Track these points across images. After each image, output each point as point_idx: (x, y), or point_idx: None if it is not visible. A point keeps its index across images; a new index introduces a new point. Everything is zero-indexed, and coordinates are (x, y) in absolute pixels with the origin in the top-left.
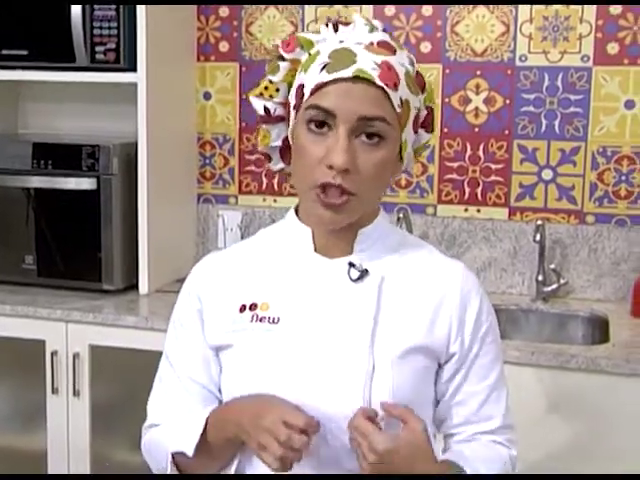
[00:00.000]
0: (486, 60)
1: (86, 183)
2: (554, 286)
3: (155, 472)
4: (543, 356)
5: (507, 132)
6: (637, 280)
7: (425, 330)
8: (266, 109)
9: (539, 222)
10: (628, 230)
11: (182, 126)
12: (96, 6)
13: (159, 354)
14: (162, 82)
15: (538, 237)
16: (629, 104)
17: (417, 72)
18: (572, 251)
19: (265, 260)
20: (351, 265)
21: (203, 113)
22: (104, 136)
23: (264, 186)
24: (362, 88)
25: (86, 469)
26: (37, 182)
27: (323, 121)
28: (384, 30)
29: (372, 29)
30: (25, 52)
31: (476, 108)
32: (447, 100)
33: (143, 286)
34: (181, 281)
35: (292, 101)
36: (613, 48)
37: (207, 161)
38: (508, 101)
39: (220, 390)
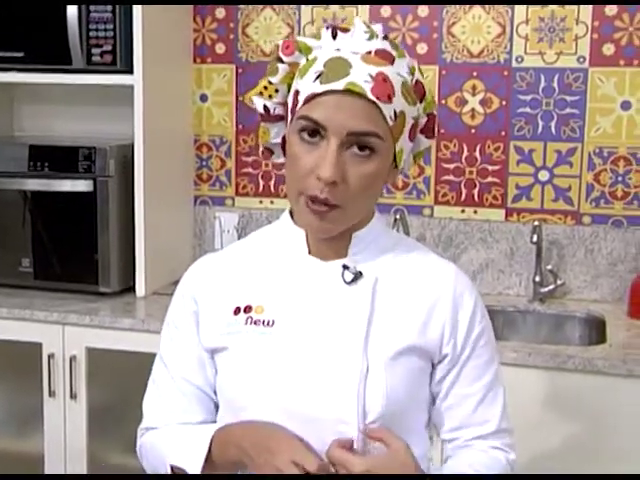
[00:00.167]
0: (482, 61)
1: (82, 185)
2: (551, 287)
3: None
4: (540, 357)
5: (503, 133)
6: (634, 281)
7: (418, 331)
8: (266, 108)
9: (536, 223)
10: (624, 231)
11: (179, 128)
12: (92, 8)
13: (156, 356)
14: (158, 84)
15: (535, 238)
16: (625, 105)
17: (417, 81)
18: (569, 252)
19: (260, 262)
20: (345, 268)
21: (199, 115)
22: (100, 138)
23: (261, 188)
24: (353, 101)
25: (83, 472)
26: (33, 184)
27: (315, 131)
28: (385, 37)
29: (371, 36)
30: (21, 54)
31: (472, 109)
32: (443, 101)
33: (140, 288)
34: (178, 283)
35: (289, 104)
36: (609, 49)
37: (204, 163)
38: (504, 102)
39: (215, 392)
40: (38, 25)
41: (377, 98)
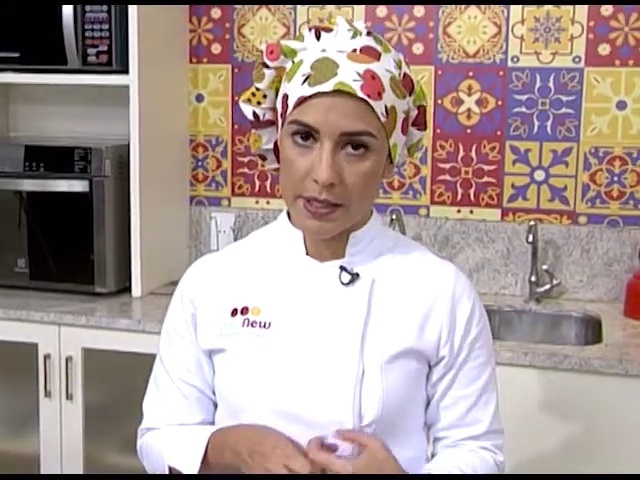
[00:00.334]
0: (478, 61)
1: (78, 186)
2: (547, 287)
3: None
4: (536, 357)
5: (499, 133)
6: (630, 280)
7: (415, 333)
8: (255, 114)
9: (532, 223)
10: (620, 230)
11: (174, 128)
12: (87, 8)
13: (152, 357)
14: (154, 84)
15: (531, 238)
16: (621, 105)
17: (404, 74)
18: (565, 252)
19: (257, 263)
20: (342, 269)
21: (195, 115)
22: (96, 138)
23: (257, 188)
24: (343, 102)
25: (79, 472)
26: (29, 185)
27: (308, 134)
28: (368, 33)
29: (355, 34)
30: (16, 54)
31: (468, 109)
32: (439, 101)
33: (136, 289)
34: (174, 283)
35: (279, 109)
36: (604, 49)
37: (200, 163)
38: (500, 102)
39: (214, 392)
40: (33, 25)
41: (367, 96)
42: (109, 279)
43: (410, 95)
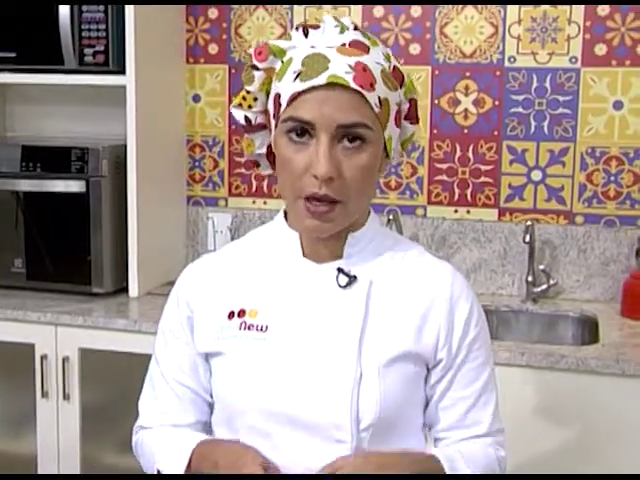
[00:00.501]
0: (475, 62)
1: (75, 186)
2: (544, 287)
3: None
4: (533, 357)
5: (496, 133)
6: (626, 280)
7: (413, 337)
8: (247, 119)
9: (528, 223)
10: (617, 230)
11: (171, 128)
12: (84, 8)
13: (149, 357)
14: (151, 84)
15: (528, 238)
16: (617, 105)
17: (394, 67)
18: (561, 252)
19: (254, 265)
20: (339, 271)
21: (192, 115)
22: (93, 139)
23: (254, 188)
24: (337, 94)
25: (76, 472)
26: (26, 185)
27: (303, 130)
28: (355, 28)
29: (343, 29)
30: (13, 54)
31: (465, 109)
32: (436, 102)
33: (133, 289)
34: (171, 284)
35: (271, 110)
36: (601, 49)
37: (197, 163)
38: (497, 102)
39: (210, 394)
40: (30, 25)
41: (361, 87)
42: (106, 279)
43: (401, 87)
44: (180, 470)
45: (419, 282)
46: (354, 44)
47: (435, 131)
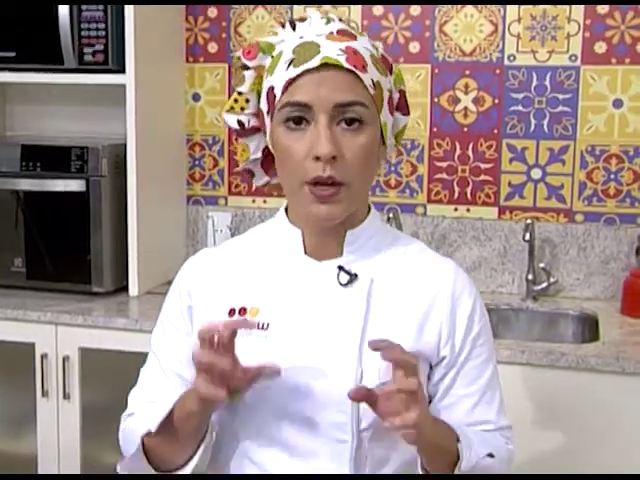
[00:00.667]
0: (475, 60)
1: (75, 185)
2: (544, 285)
3: (126, 459)
4: (533, 355)
5: (496, 131)
6: (626, 278)
7: (415, 335)
8: (240, 122)
9: (528, 221)
10: (617, 228)
11: (171, 127)
12: (84, 7)
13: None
14: (151, 83)
15: (527, 236)
16: (617, 103)
17: (382, 55)
18: (561, 250)
19: (255, 262)
20: (340, 269)
21: (192, 114)
22: (93, 138)
23: (253, 187)
24: (332, 75)
25: (76, 472)
26: (26, 184)
27: (300, 117)
28: (340, 20)
29: (329, 21)
30: (13, 54)
31: (465, 108)
32: (436, 100)
33: (133, 288)
34: (171, 283)
35: (264, 108)
36: (601, 47)
37: (196, 162)
38: (497, 101)
39: None
40: (30, 25)
41: (354, 67)
42: (106, 278)
43: (390, 74)
44: (159, 417)
45: (421, 279)
46: (342, 32)
47: (435, 129)
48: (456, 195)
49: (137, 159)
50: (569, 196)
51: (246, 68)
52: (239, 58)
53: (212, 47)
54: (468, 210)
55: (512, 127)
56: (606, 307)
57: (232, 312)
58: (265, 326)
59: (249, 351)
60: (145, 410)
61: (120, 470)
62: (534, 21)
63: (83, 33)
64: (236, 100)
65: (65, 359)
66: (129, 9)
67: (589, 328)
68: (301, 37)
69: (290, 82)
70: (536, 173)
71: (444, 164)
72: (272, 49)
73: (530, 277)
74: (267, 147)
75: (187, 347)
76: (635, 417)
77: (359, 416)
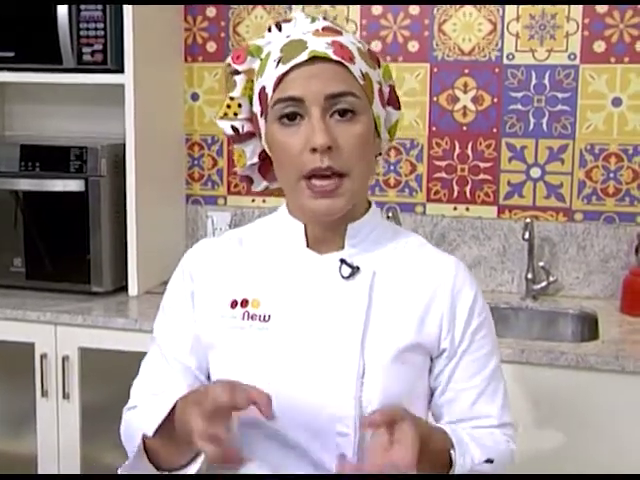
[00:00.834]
0: (474, 59)
1: (74, 185)
2: (543, 284)
3: (130, 456)
4: (533, 353)
5: (495, 130)
6: (626, 277)
7: (416, 328)
8: (234, 128)
9: (528, 220)
10: (616, 227)
11: (170, 127)
12: (82, 7)
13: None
14: (150, 83)
15: (527, 235)
16: (616, 102)
17: (369, 49)
18: (561, 249)
19: (257, 254)
20: (342, 262)
21: (191, 114)
22: (92, 138)
23: None
24: (321, 68)
25: (76, 472)
26: (25, 184)
27: (294, 112)
28: (324, 18)
29: (314, 20)
30: (11, 54)
31: (464, 107)
32: (435, 99)
33: (132, 288)
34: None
35: (257, 110)
36: (600, 46)
37: (195, 162)
38: (496, 100)
39: (208, 376)
40: (28, 25)
41: (342, 58)
42: (105, 278)
43: (378, 67)
44: (157, 420)
45: (422, 272)
46: (327, 29)
47: (434, 128)
48: (455, 194)
49: (136, 159)
50: (568, 195)
51: (237, 73)
52: (229, 64)
53: (211, 47)
54: (467, 209)
55: (511, 126)
56: (605, 306)
57: (234, 304)
58: (267, 318)
59: (251, 343)
60: (147, 403)
61: (122, 471)
62: (533, 20)
63: (82, 33)
64: (229, 106)
65: (65, 359)
66: (128, 9)
67: (588, 327)
68: (288, 36)
69: (280, 78)
70: (535, 172)
71: (443, 163)
72: (260, 51)
73: (529, 276)
74: (263, 151)
75: (189, 333)
76: (634, 416)
77: (362, 409)
